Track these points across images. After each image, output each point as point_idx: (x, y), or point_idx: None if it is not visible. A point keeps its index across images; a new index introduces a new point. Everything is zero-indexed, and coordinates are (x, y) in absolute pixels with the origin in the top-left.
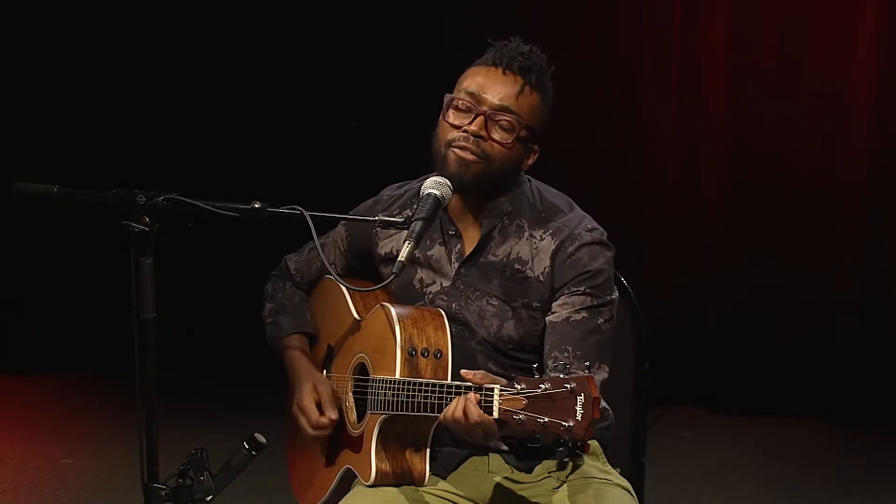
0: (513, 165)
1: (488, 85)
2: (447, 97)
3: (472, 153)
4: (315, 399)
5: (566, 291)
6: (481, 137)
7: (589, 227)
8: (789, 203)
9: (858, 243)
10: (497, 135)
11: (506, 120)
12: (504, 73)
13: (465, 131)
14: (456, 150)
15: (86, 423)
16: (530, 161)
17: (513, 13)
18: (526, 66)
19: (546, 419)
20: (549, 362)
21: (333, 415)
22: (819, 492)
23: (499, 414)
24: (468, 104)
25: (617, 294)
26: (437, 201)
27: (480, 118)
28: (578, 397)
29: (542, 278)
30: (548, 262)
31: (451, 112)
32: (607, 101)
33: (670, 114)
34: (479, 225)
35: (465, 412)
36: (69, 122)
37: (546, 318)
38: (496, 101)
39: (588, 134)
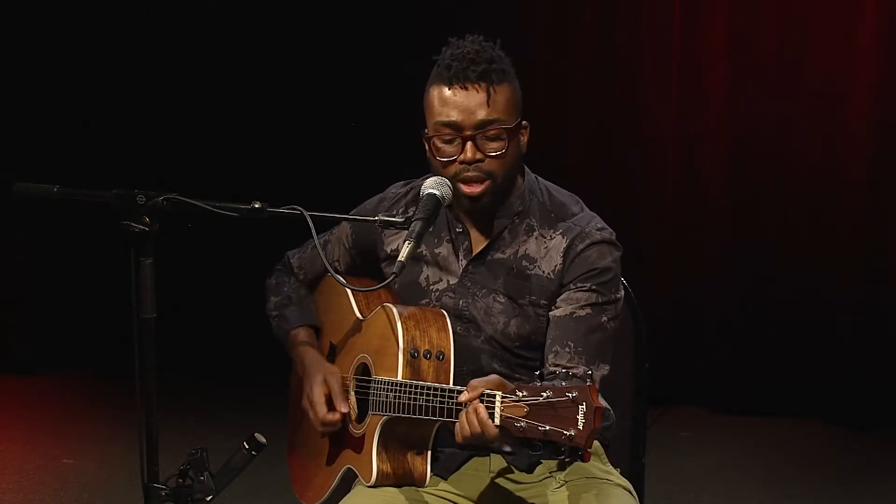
0: (516, 163)
1: (458, 108)
2: (425, 137)
3: (478, 181)
4: (325, 392)
5: (572, 287)
6: (479, 161)
7: (599, 226)
8: (789, 203)
9: (858, 243)
10: (491, 150)
11: (492, 132)
12: (465, 88)
13: (463, 162)
14: (462, 185)
15: (86, 423)
16: (525, 139)
17: (513, 13)
18: (482, 71)
19: (547, 427)
20: (550, 356)
21: (344, 408)
22: (819, 492)
23: (500, 421)
24: (450, 135)
25: (623, 293)
26: (437, 201)
27: (470, 144)
28: (580, 406)
29: (552, 276)
30: (559, 259)
31: (437, 149)
32: (607, 101)
33: (670, 114)
34: (487, 223)
35: (480, 425)
36: (69, 122)
37: (550, 313)
38: (475, 119)
39: (588, 134)
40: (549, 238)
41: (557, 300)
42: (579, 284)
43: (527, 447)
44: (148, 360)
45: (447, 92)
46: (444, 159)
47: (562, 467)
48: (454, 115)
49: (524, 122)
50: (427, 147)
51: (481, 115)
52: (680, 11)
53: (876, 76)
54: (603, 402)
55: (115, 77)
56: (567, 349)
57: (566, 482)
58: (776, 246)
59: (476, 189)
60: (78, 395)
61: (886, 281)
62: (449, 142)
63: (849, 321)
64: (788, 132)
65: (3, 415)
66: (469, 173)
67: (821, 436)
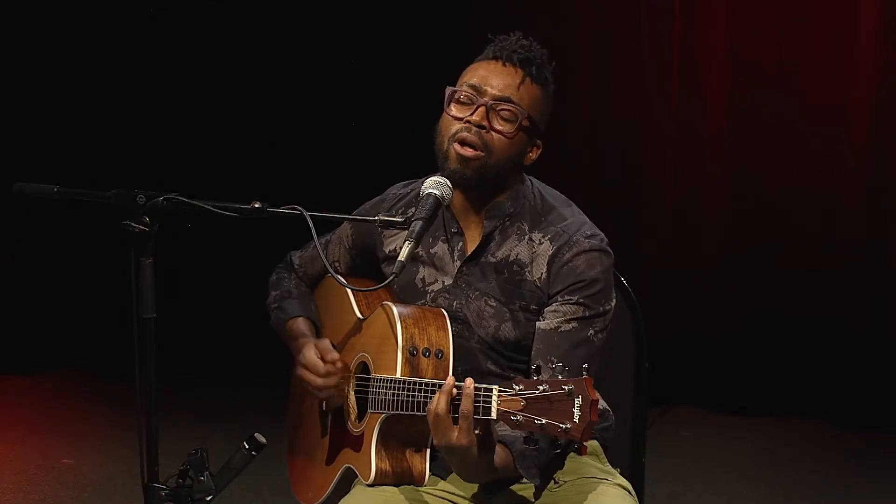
0: (515, 158)
1: (489, 77)
2: (449, 90)
3: (474, 146)
4: (317, 354)
5: (559, 299)
6: (483, 128)
7: (588, 233)
8: (789, 203)
9: (858, 243)
10: (498, 125)
11: (507, 110)
12: (504, 65)
13: (468, 122)
14: (457, 144)
15: (86, 423)
16: (533, 156)
17: (513, 12)
18: (526, 58)
19: (543, 420)
20: (532, 368)
21: (336, 356)
22: (819, 492)
23: (497, 414)
24: (469, 96)
25: (613, 304)
26: (437, 201)
27: (482, 109)
28: (576, 399)
29: (539, 283)
30: (545, 267)
31: (453, 105)
32: (607, 101)
33: (670, 114)
34: (481, 224)
35: (465, 401)
36: (69, 123)
37: (536, 323)
38: (497, 92)
39: (588, 134)
40: (538, 243)
41: (545, 311)
42: (567, 297)
43: (524, 443)
44: (148, 360)
45: (487, 62)
46: (453, 115)
47: (561, 467)
48: (481, 81)
49: (539, 140)
50: (445, 104)
51: (505, 91)
52: (680, 11)
53: (876, 76)
54: (600, 400)
55: (115, 77)
56: (550, 364)
57: (565, 482)
58: (776, 246)
59: (468, 152)
60: (78, 395)
61: (886, 281)
62: (465, 102)
63: (849, 321)
64: (788, 132)
65: (3, 415)
66: (468, 134)
67: (821, 436)
